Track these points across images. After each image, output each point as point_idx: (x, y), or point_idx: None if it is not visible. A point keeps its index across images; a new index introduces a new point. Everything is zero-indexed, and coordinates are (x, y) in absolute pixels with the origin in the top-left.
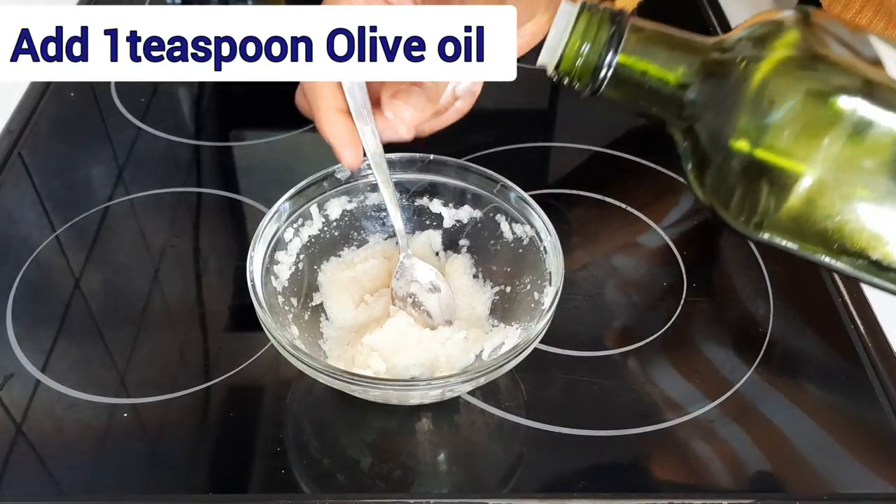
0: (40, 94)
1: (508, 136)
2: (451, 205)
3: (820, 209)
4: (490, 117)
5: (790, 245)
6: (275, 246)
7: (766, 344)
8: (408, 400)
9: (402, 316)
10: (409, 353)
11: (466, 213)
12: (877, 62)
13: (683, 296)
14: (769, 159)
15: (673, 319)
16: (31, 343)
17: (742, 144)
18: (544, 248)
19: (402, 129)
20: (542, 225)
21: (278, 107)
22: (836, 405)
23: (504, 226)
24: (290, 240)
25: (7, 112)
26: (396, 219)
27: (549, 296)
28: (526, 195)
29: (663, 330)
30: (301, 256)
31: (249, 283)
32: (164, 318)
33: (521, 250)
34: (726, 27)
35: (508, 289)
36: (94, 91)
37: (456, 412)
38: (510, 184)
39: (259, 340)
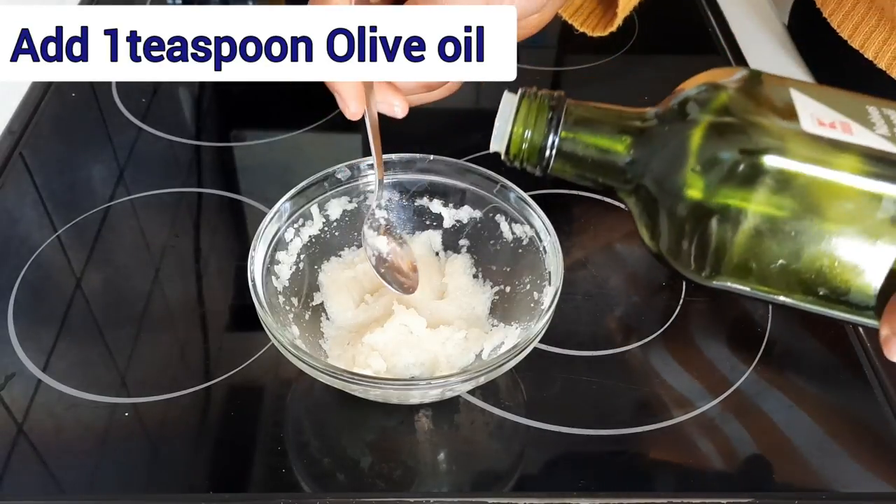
0: (41, 94)
1: None
2: (451, 205)
3: (762, 253)
4: (490, 117)
5: (742, 288)
6: (275, 246)
7: (764, 343)
8: (408, 399)
9: (403, 316)
10: (409, 353)
11: (466, 213)
12: (795, 115)
13: (682, 295)
14: (709, 211)
15: (672, 319)
16: (33, 343)
17: (686, 196)
18: (544, 247)
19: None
20: (541, 225)
21: (278, 107)
22: (834, 404)
23: (504, 226)
24: (291, 240)
25: (8, 112)
26: (378, 168)
27: (549, 295)
28: (525, 195)
29: (662, 329)
30: (302, 256)
31: (251, 283)
32: (164, 318)
33: (520, 250)
34: (725, 27)
35: (508, 289)
36: (95, 91)
37: (456, 412)
38: (510, 184)
39: (259, 340)
